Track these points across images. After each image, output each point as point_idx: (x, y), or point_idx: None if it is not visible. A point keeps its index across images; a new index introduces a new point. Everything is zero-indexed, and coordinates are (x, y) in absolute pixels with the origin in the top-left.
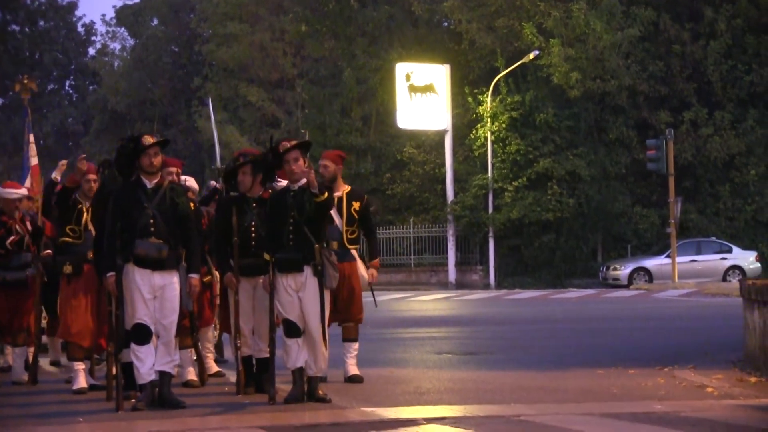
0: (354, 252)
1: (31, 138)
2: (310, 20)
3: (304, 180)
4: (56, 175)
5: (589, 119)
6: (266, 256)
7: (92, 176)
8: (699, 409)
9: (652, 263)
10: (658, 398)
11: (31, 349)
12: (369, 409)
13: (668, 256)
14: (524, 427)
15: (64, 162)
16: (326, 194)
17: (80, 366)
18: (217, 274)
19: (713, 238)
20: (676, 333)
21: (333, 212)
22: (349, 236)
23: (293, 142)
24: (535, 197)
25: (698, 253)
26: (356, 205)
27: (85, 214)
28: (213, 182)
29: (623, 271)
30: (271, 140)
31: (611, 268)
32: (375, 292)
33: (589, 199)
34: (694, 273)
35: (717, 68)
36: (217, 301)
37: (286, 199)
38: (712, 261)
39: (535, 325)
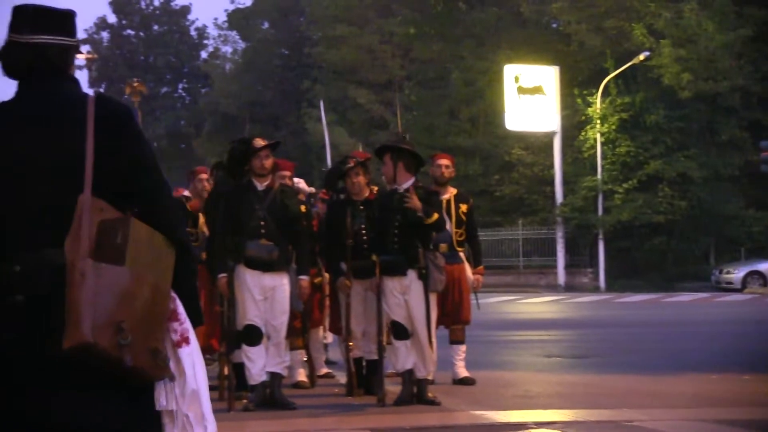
0: (462, 254)
1: None
2: (418, 23)
3: (411, 181)
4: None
5: (701, 120)
6: (374, 258)
7: (204, 176)
8: None
9: (766, 267)
10: None
11: None
12: (478, 413)
13: None
14: None
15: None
16: (435, 216)
17: None
18: (327, 275)
19: None
20: None
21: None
22: (457, 238)
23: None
24: (645, 199)
25: None
26: (464, 207)
27: (200, 216)
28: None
29: (736, 274)
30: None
31: (724, 271)
32: (479, 294)
33: (701, 201)
34: None
35: None
36: (327, 303)
37: (391, 201)
38: None
39: (646, 328)
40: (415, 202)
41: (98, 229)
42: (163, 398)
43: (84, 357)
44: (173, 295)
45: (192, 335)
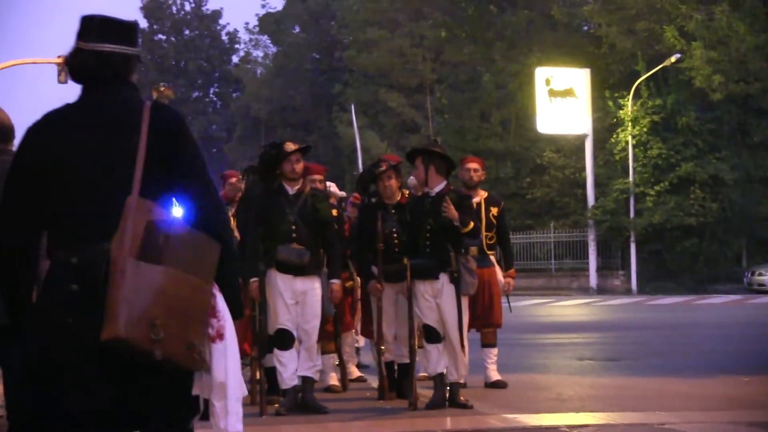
0: (492, 257)
1: None
2: (449, 26)
3: (443, 185)
4: None
5: (732, 122)
6: (405, 262)
7: (233, 180)
8: None
9: None
10: None
11: None
12: (510, 416)
13: None
14: None
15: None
16: (471, 224)
17: None
18: (358, 279)
19: None
20: None
21: None
22: (488, 242)
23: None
24: (677, 202)
25: None
26: (494, 210)
27: (231, 219)
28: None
29: None
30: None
31: (756, 273)
32: (511, 297)
33: (733, 203)
34: None
35: None
36: (359, 307)
37: (423, 205)
38: None
39: (678, 331)
40: (452, 212)
41: (145, 230)
42: (196, 387)
43: (118, 349)
44: (215, 292)
45: (228, 332)
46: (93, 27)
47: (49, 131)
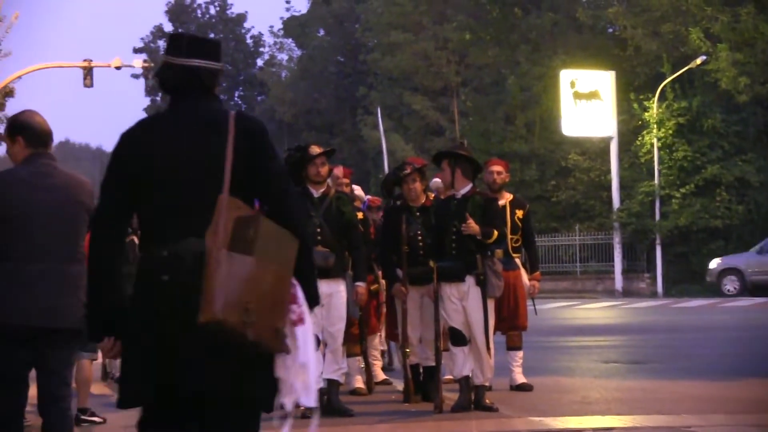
0: (517, 260)
1: None
2: (473, 28)
3: (468, 187)
4: None
5: (758, 124)
6: (431, 264)
7: None
8: None
9: None
10: None
11: None
12: (536, 419)
13: None
14: None
15: None
16: (495, 234)
17: None
18: (383, 282)
19: None
20: None
21: None
22: (513, 244)
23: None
24: (703, 204)
25: None
26: (519, 213)
27: None
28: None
29: None
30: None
31: None
32: (536, 300)
33: (759, 205)
34: None
35: None
36: (384, 310)
37: (449, 207)
38: None
39: (704, 333)
40: (474, 228)
41: (234, 224)
42: (280, 369)
43: (214, 331)
44: (294, 281)
45: (307, 317)
46: (182, 44)
47: (143, 137)
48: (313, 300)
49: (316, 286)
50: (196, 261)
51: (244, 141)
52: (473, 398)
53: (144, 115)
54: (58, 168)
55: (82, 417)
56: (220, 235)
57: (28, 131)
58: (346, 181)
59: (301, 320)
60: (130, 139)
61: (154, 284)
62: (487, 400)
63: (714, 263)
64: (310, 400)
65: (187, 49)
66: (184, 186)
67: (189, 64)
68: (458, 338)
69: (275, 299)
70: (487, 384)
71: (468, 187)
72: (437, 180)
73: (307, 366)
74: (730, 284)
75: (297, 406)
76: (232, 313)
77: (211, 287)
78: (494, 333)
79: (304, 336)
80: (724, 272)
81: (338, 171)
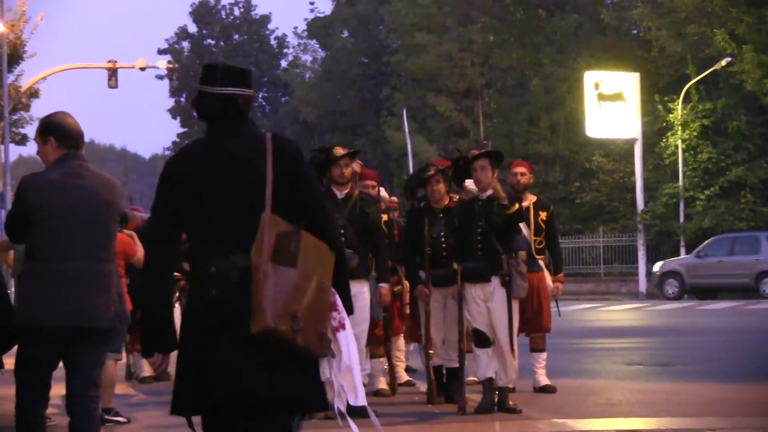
0: (541, 262)
1: None
2: (497, 30)
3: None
4: None
5: None
6: (455, 266)
7: None
8: None
9: None
10: None
11: None
12: (560, 421)
13: None
14: None
15: None
16: (516, 205)
17: None
18: (407, 283)
19: None
20: None
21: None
22: (536, 246)
23: (482, 151)
24: (727, 206)
25: None
26: (543, 215)
27: None
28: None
29: None
30: (458, 151)
31: None
32: (560, 302)
33: None
34: None
35: None
36: (407, 311)
37: (474, 208)
38: None
39: (729, 336)
40: (498, 187)
41: (276, 239)
42: (326, 371)
43: (266, 339)
44: (333, 290)
45: (347, 322)
46: (216, 74)
47: (187, 163)
48: (349, 309)
49: (350, 294)
50: (242, 275)
51: (282, 161)
52: (497, 400)
53: (168, 116)
54: (90, 169)
55: (107, 417)
56: (265, 250)
57: (59, 132)
58: (373, 183)
59: (342, 326)
60: (175, 165)
61: (204, 298)
62: (510, 402)
63: (657, 266)
64: (359, 400)
65: (222, 78)
66: (228, 206)
67: (225, 92)
68: (482, 340)
69: (318, 307)
70: (510, 385)
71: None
72: (470, 182)
73: (351, 368)
74: (671, 287)
75: (348, 406)
76: (282, 322)
77: (260, 298)
78: (518, 335)
79: (346, 340)
80: (665, 275)
81: (356, 166)
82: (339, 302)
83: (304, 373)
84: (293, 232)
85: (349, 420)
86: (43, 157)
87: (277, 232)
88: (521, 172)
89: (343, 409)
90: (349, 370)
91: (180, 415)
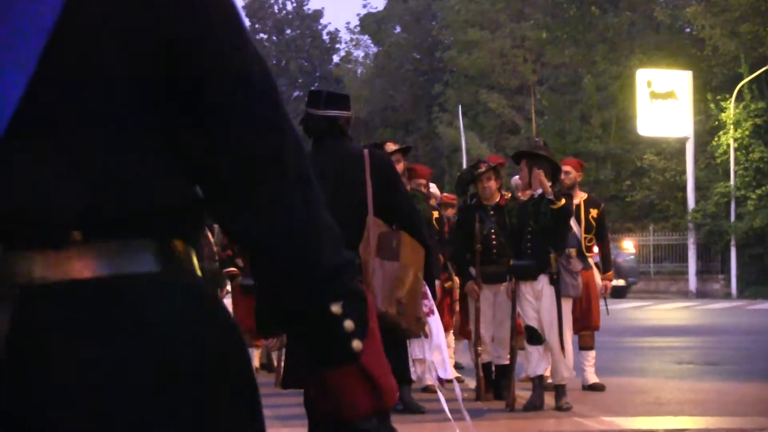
0: (591, 260)
1: None
2: (550, 27)
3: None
4: None
5: None
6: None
7: None
8: None
9: None
10: None
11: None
12: (608, 419)
13: None
14: None
15: None
16: (563, 200)
17: None
18: (457, 280)
19: None
20: None
21: (571, 220)
22: (587, 244)
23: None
24: None
25: None
26: (594, 212)
27: None
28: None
29: None
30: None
31: None
32: (609, 300)
33: None
34: None
35: None
36: (457, 308)
37: (526, 207)
38: None
39: None
40: (545, 182)
41: (378, 238)
42: (417, 350)
43: (380, 322)
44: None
45: (435, 308)
46: (321, 98)
47: None
48: (435, 297)
49: (435, 286)
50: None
51: (378, 172)
52: (553, 397)
53: None
54: None
55: None
56: (372, 248)
57: None
58: (424, 181)
59: (432, 311)
60: None
61: None
62: (561, 400)
63: None
64: (448, 373)
65: (326, 102)
66: (337, 212)
67: (328, 114)
68: (535, 337)
69: (415, 294)
70: (564, 383)
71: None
72: (516, 178)
73: (441, 347)
74: None
75: (439, 380)
76: (390, 307)
77: (371, 288)
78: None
79: (436, 324)
80: None
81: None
82: (428, 291)
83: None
84: (394, 231)
85: (439, 393)
86: None
87: (379, 233)
88: (565, 170)
89: (434, 381)
90: (439, 348)
91: (290, 389)
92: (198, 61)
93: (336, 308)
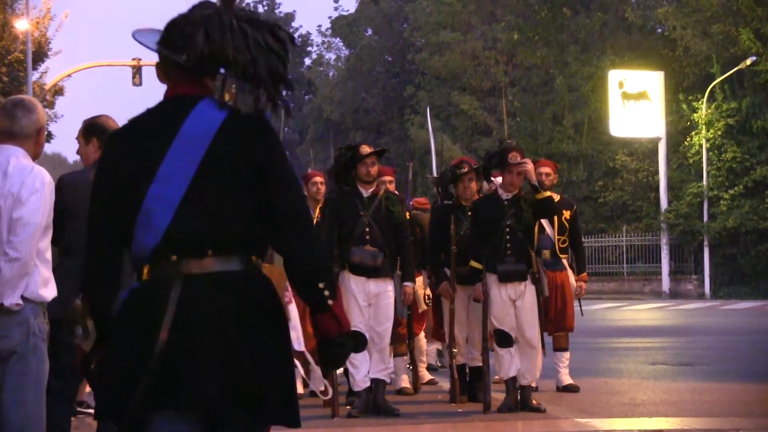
0: (564, 261)
1: None
2: (522, 28)
3: (517, 189)
4: None
5: None
6: (475, 264)
7: (318, 179)
8: None
9: None
10: None
11: None
12: (583, 420)
13: None
14: None
15: None
16: (547, 192)
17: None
18: (425, 280)
19: None
20: None
21: (544, 221)
22: (560, 245)
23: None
24: (751, 206)
25: None
26: (567, 213)
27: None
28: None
29: None
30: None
31: None
32: (583, 301)
33: None
34: None
35: None
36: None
37: (499, 208)
38: None
39: (753, 336)
40: (531, 169)
41: None
42: (296, 344)
43: None
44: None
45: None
46: None
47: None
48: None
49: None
50: None
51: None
52: (520, 399)
53: None
54: None
55: (78, 409)
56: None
57: (103, 135)
58: (390, 179)
59: (290, 300)
60: None
61: None
62: (534, 401)
63: None
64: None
65: None
66: None
67: None
68: (504, 340)
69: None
70: (533, 384)
71: (517, 189)
72: (499, 180)
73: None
74: None
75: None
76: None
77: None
78: (541, 333)
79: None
80: None
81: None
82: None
83: None
84: None
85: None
86: (84, 156)
87: None
88: (546, 172)
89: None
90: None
91: None
92: (271, 173)
93: (321, 285)
